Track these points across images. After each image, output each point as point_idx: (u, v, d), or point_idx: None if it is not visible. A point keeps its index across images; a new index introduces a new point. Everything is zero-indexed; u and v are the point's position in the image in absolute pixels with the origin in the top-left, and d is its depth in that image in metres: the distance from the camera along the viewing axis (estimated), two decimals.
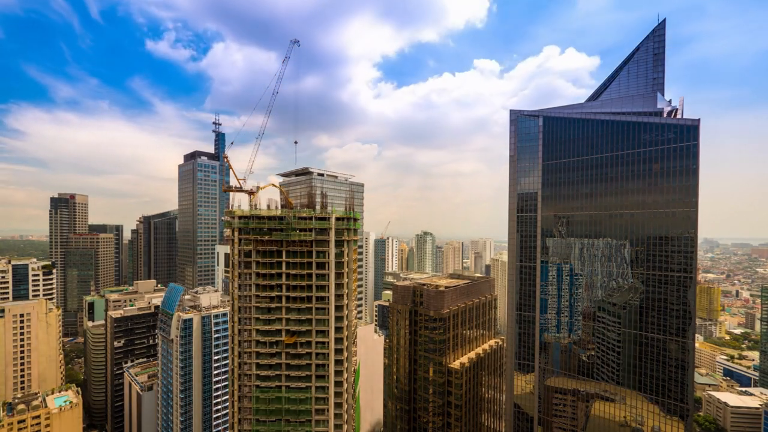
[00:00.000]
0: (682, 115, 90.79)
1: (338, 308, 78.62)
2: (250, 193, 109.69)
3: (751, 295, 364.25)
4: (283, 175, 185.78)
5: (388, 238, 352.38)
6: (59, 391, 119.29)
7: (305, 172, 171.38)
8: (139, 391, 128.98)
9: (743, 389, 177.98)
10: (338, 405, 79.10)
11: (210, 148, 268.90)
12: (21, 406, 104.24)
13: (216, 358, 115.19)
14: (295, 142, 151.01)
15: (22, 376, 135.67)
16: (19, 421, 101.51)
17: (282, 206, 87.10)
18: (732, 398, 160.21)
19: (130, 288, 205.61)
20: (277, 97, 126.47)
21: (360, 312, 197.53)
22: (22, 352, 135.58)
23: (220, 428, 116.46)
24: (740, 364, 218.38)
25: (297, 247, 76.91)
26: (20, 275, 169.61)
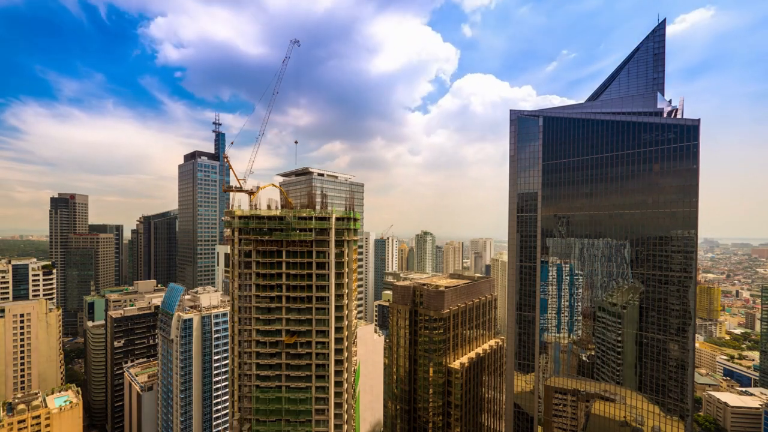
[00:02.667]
0: (682, 115, 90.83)
1: (338, 308, 78.56)
2: (250, 193, 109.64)
3: (752, 295, 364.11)
4: (283, 175, 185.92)
5: (388, 238, 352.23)
6: (59, 391, 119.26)
7: (305, 172, 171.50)
8: (139, 391, 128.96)
9: (743, 389, 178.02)
10: (338, 405, 79.06)
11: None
12: (21, 406, 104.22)
13: (216, 358, 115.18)
14: (296, 142, 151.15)
15: (22, 376, 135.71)
16: (19, 421, 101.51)
17: (282, 206, 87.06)
18: (732, 398, 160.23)
19: (130, 288, 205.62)
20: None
21: (360, 312, 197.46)
22: (22, 352, 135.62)
23: (220, 428, 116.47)
24: (740, 364, 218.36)
25: (297, 247, 76.87)
26: (20, 275, 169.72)
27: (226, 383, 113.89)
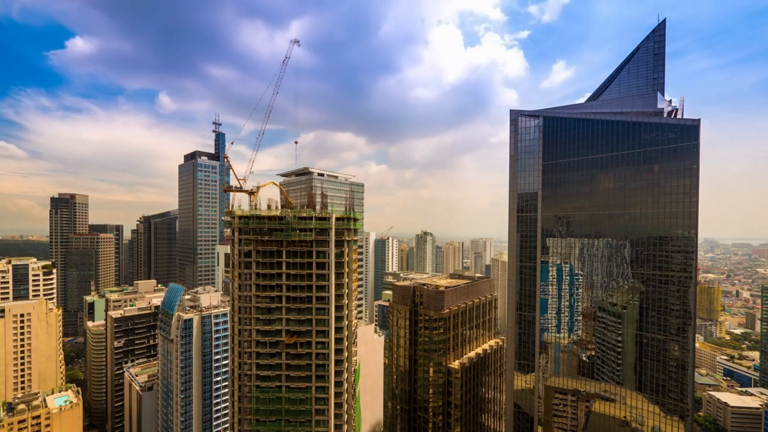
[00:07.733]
0: (682, 115, 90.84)
1: (338, 308, 78.62)
2: (251, 193, 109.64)
3: (752, 295, 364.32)
4: (283, 175, 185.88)
5: (388, 238, 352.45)
6: (59, 391, 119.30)
7: (305, 172, 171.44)
8: (139, 391, 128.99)
9: (743, 389, 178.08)
10: (338, 405, 79.09)
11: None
12: (21, 406, 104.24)
13: (216, 358, 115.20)
14: (296, 142, 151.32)
15: (22, 376, 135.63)
16: (20, 421, 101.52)
17: (282, 206, 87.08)
18: (732, 398, 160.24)
19: (131, 288, 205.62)
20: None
21: (360, 312, 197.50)
22: (22, 352, 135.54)
23: (220, 428, 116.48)
24: (740, 364, 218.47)
25: (297, 247, 76.89)
26: (20, 275, 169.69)
27: (226, 383, 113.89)
